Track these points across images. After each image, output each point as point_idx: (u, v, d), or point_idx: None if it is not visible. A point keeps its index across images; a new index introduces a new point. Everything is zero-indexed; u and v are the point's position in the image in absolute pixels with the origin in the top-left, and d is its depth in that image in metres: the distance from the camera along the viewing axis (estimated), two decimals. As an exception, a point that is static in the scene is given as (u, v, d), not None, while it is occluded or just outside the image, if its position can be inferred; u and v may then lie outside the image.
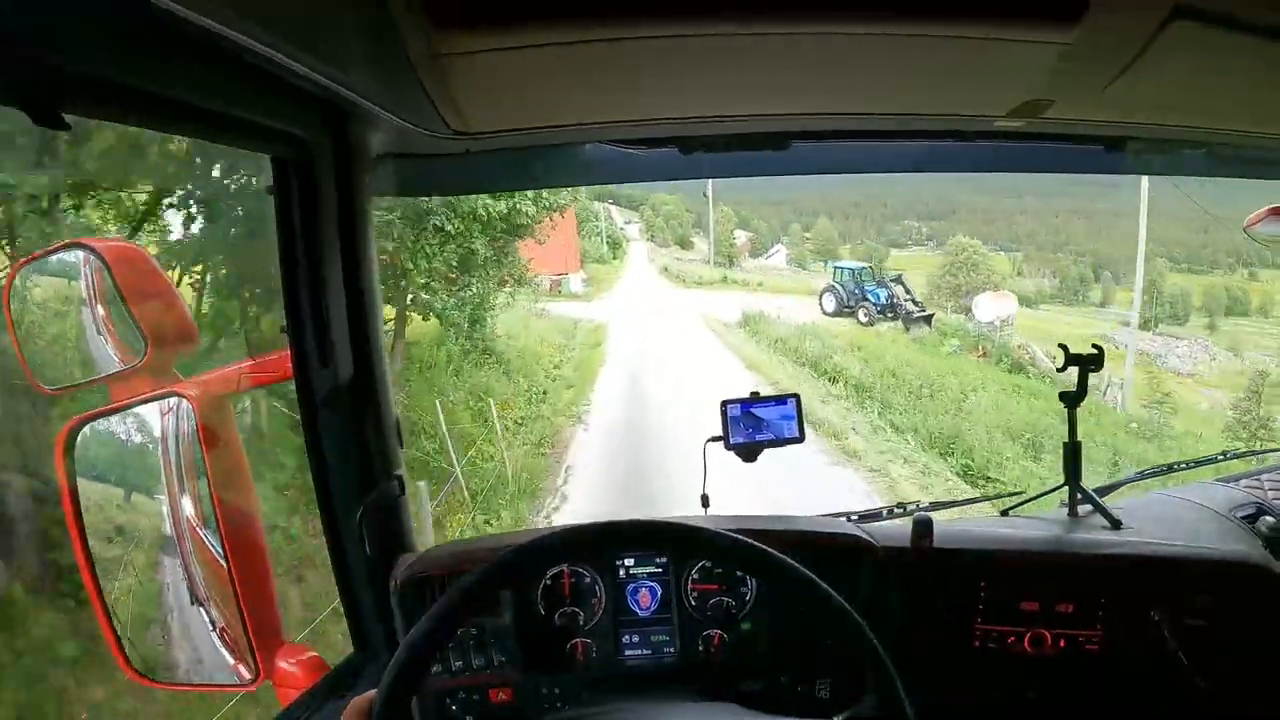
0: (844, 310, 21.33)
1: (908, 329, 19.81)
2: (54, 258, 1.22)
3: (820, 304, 22.34)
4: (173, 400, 1.18)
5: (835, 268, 24.00)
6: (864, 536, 1.18)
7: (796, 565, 0.77)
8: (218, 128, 0.85)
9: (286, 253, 1.07)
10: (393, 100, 0.99)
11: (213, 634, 1.37)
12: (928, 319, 20.26)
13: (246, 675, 1.24)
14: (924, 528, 1.14)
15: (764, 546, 0.78)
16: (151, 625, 1.32)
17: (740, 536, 0.78)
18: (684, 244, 53.85)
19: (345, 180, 1.08)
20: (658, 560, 1.19)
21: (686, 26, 0.78)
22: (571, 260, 27.13)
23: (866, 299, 20.63)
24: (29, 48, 0.55)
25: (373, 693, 0.74)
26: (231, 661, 1.31)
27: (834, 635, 0.89)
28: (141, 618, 1.34)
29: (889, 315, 20.58)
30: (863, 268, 23.51)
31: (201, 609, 1.35)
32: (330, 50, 0.79)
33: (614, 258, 44.53)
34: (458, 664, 1.15)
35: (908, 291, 21.39)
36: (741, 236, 47.02)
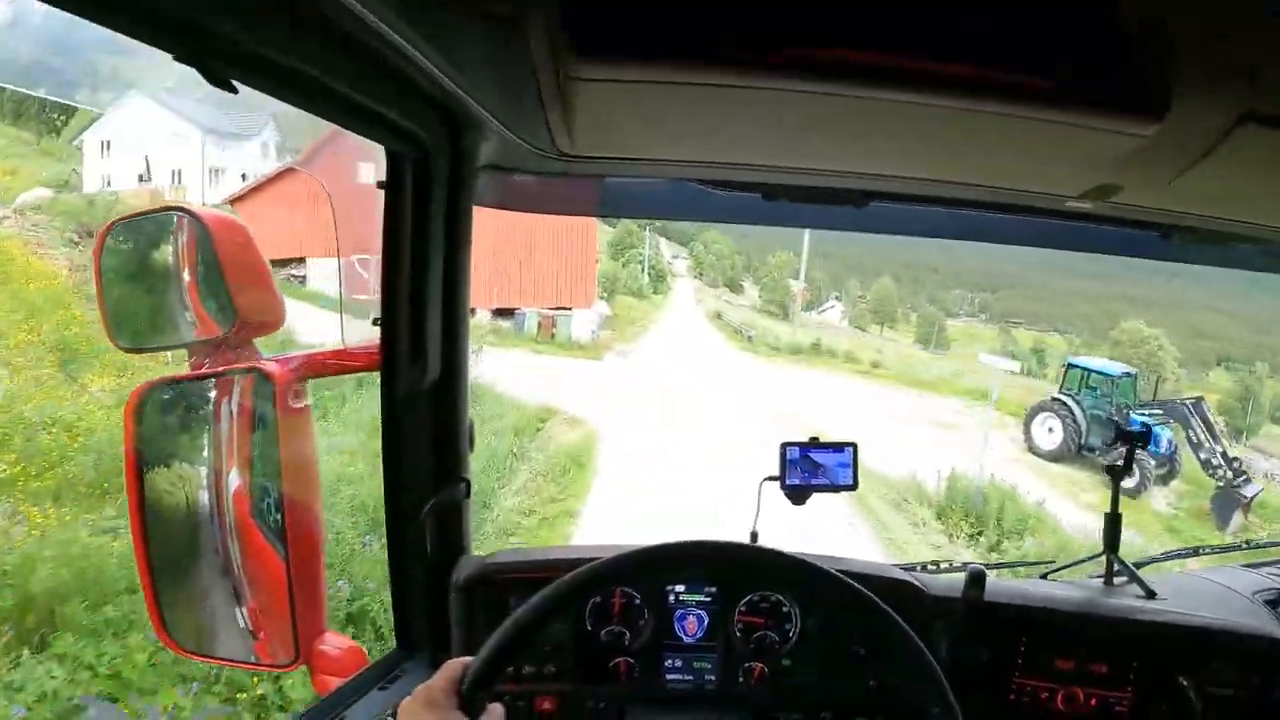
0: (1078, 450, 12.28)
1: (1222, 521, 10.58)
2: (153, 218, 1.23)
3: (1028, 434, 13.11)
4: (254, 376, 1.19)
5: (1071, 366, 13.93)
6: (913, 583, 1.21)
7: (875, 598, 0.81)
8: (349, 114, 0.88)
9: (390, 247, 1.09)
10: (510, 115, 1.02)
11: (239, 610, 1.38)
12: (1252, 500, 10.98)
13: (285, 657, 1.24)
14: (978, 578, 1.18)
15: (854, 584, 0.82)
16: (195, 596, 1.32)
17: (834, 572, 0.82)
18: (734, 286, 51.78)
19: (455, 184, 1.10)
20: (707, 589, 1.22)
21: (791, 81, 0.81)
22: (581, 288, 20.24)
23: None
24: (206, 17, 0.61)
25: (466, 659, 0.76)
26: (267, 638, 1.31)
27: (899, 673, 0.91)
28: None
29: (1167, 475, 11.65)
30: (1125, 374, 13.45)
31: (241, 587, 1.35)
32: (462, 59, 0.83)
33: (654, 292, 41.04)
34: (510, 668, 1.16)
35: (1211, 432, 11.83)
36: (795, 286, 44.70)
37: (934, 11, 0.72)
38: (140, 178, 19.80)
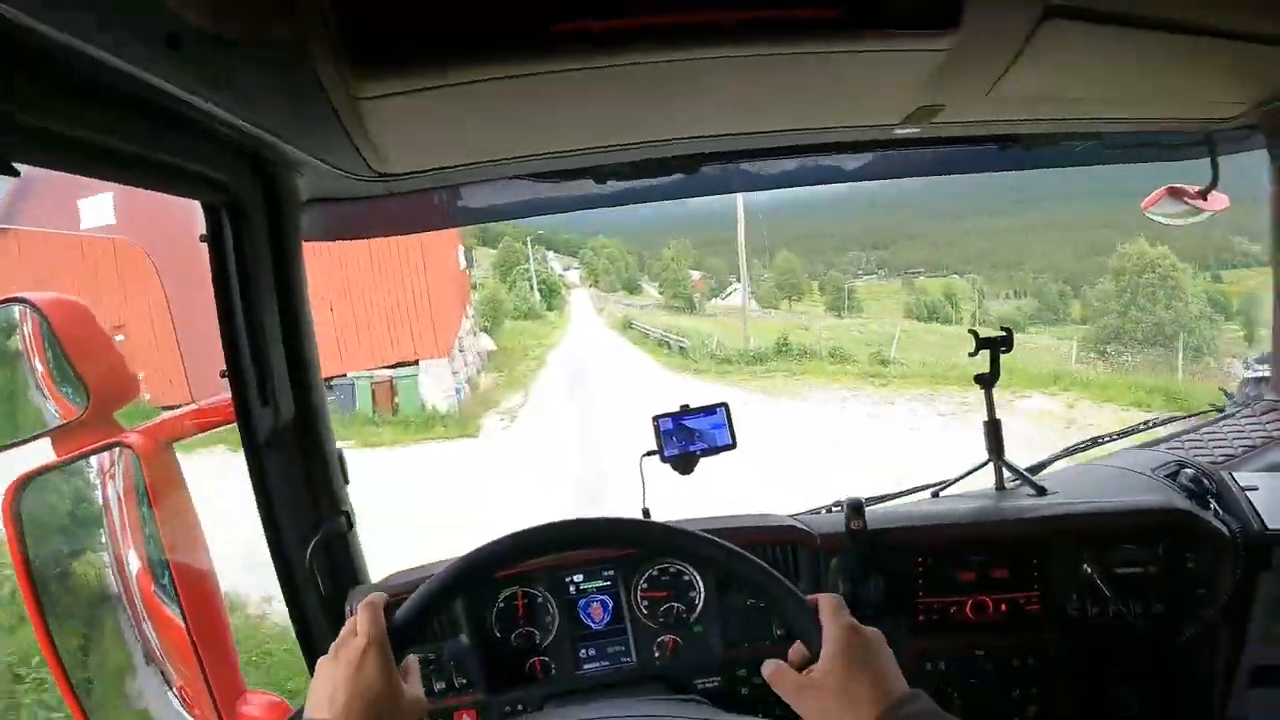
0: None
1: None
2: (-4, 313, 1.22)
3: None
4: (117, 451, 1.18)
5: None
6: (800, 527, 1.22)
7: (711, 539, 0.81)
8: (150, 174, 0.86)
9: (222, 298, 1.09)
10: (314, 144, 1.01)
11: (169, 692, 1.36)
12: None
13: (211, 725, 1.23)
14: (855, 510, 1.18)
15: (685, 529, 0.82)
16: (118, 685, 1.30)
17: (667, 524, 0.84)
18: (631, 288, 49.95)
19: (276, 225, 1.10)
20: (604, 574, 1.22)
21: (586, 60, 0.82)
22: (430, 331, 13.17)
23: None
24: None
25: (380, 596, 0.79)
26: (203, 714, 1.30)
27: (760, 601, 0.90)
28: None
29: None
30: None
31: (160, 666, 1.33)
32: (251, 96, 0.82)
33: (549, 308, 38.02)
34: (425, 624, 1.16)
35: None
36: (694, 275, 43.89)
37: None
38: None
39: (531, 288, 38.86)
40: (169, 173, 0.89)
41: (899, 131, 1.24)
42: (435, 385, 12.85)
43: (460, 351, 14.91)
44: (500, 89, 0.88)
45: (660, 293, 46.78)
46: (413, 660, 0.80)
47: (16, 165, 0.65)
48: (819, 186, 1.48)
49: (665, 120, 1.13)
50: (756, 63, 0.88)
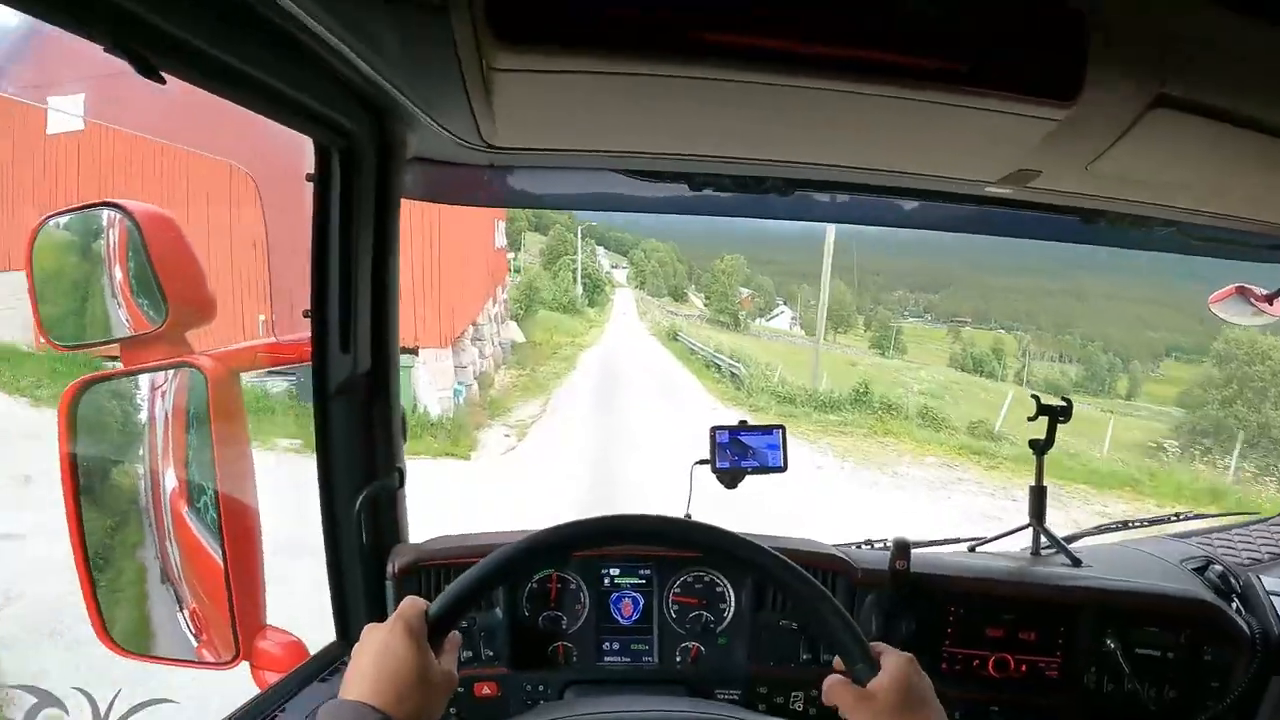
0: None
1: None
2: (84, 213, 1.23)
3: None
4: (185, 370, 1.19)
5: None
6: (842, 557, 1.24)
7: (779, 555, 0.83)
8: (276, 104, 0.89)
9: (319, 238, 1.10)
10: (433, 104, 1.03)
11: (180, 612, 1.37)
12: None
13: (226, 654, 1.24)
14: (901, 550, 1.21)
15: (753, 541, 0.84)
16: (135, 597, 1.31)
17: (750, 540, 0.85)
18: (678, 295, 48.71)
19: (383, 176, 1.12)
20: (641, 572, 1.23)
21: (715, 70, 0.83)
22: (459, 309, 11.81)
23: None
24: (136, 6, 0.62)
25: (421, 600, 0.79)
26: (209, 639, 1.31)
27: (820, 634, 0.93)
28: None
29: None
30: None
31: (175, 586, 1.34)
32: (385, 47, 0.84)
33: (590, 304, 35.93)
34: (465, 616, 1.17)
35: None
36: (743, 292, 41.83)
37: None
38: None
39: (575, 280, 36.41)
40: (293, 106, 0.92)
41: (990, 189, 1.26)
42: (431, 382, 10.54)
43: (477, 341, 13.09)
44: (625, 83, 0.90)
45: (706, 304, 45.47)
46: (455, 637, 0.82)
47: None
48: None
49: (770, 140, 1.15)
50: (876, 102, 0.89)
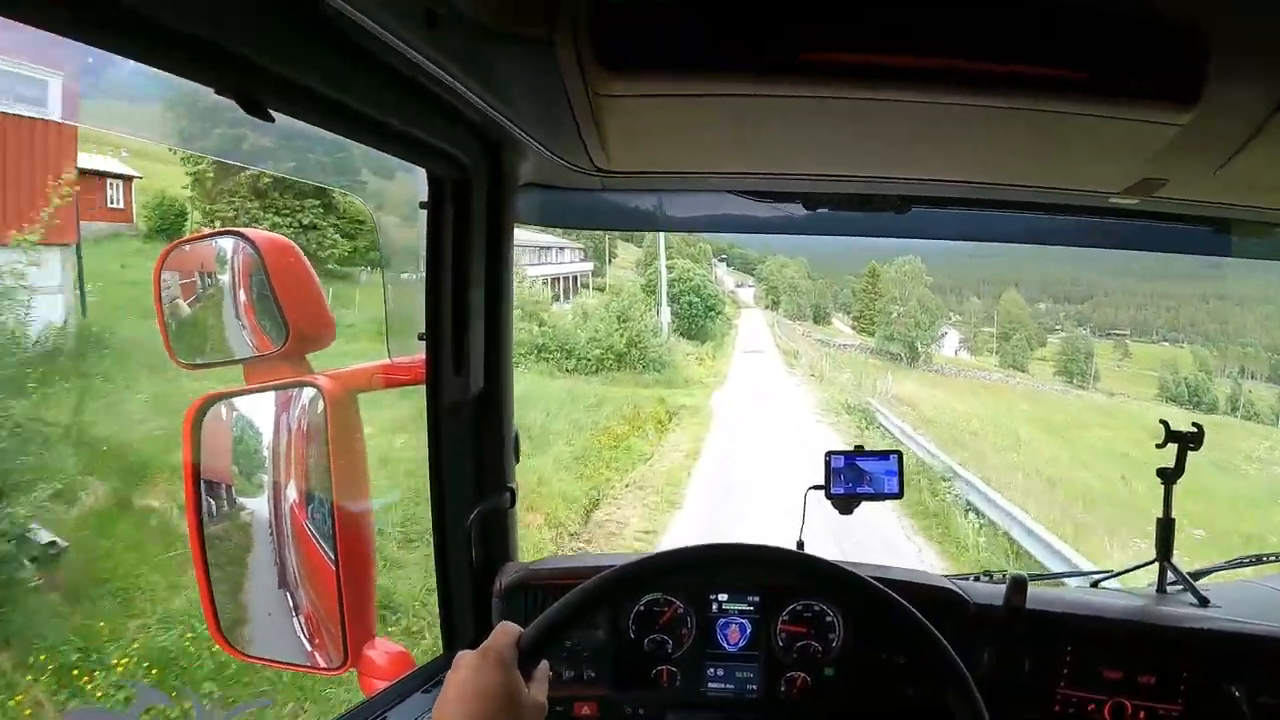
0: None
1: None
2: (208, 242, 1.29)
3: None
4: (305, 390, 1.23)
5: None
6: (955, 590, 1.20)
7: (903, 602, 0.81)
8: (388, 139, 0.92)
9: (432, 264, 1.13)
10: (546, 133, 1.05)
11: (295, 618, 1.42)
12: None
13: (334, 661, 1.28)
14: (1018, 586, 1.16)
15: (881, 587, 0.83)
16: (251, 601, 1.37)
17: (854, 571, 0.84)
18: (820, 317, 41.41)
19: (495, 203, 1.14)
20: (750, 599, 1.22)
21: (827, 89, 0.82)
22: None
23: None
24: (244, 49, 0.63)
25: (516, 626, 0.80)
26: (321, 644, 1.36)
27: (927, 673, 0.91)
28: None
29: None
30: None
31: (292, 592, 1.40)
32: (494, 80, 0.85)
33: (696, 335, 24.51)
34: (559, 641, 1.19)
35: None
36: (894, 311, 32.92)
37: (961, 11, 0.73)
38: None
39: (659, 300, 23.50)
40: (407, 141, 0.94)
41: (1115, 200, 1.20)
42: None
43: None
44: (736, 105, 0.89)
45: (856, 327, 35.64)
46: (544, 668, 0.82)
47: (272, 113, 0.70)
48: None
49: (885, 157, 1.13)
50: (993, 114, 0.87)
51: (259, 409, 1.33)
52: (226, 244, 1.28)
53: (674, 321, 24.27)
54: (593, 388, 15.19)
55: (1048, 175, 1.14)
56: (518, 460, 1.24)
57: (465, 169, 1.08)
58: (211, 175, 17.02)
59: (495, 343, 1.16)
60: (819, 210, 1.28)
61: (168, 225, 16.80)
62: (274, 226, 15.80)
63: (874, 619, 1.16)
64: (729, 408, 15.67)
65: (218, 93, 0.66)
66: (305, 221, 16.42)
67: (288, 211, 16.63)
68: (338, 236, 16.67)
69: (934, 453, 10.55)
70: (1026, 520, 7.90)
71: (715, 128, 1.01)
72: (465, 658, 0.78)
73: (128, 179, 16.89)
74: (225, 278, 1.29)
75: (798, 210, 1.28)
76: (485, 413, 1.18)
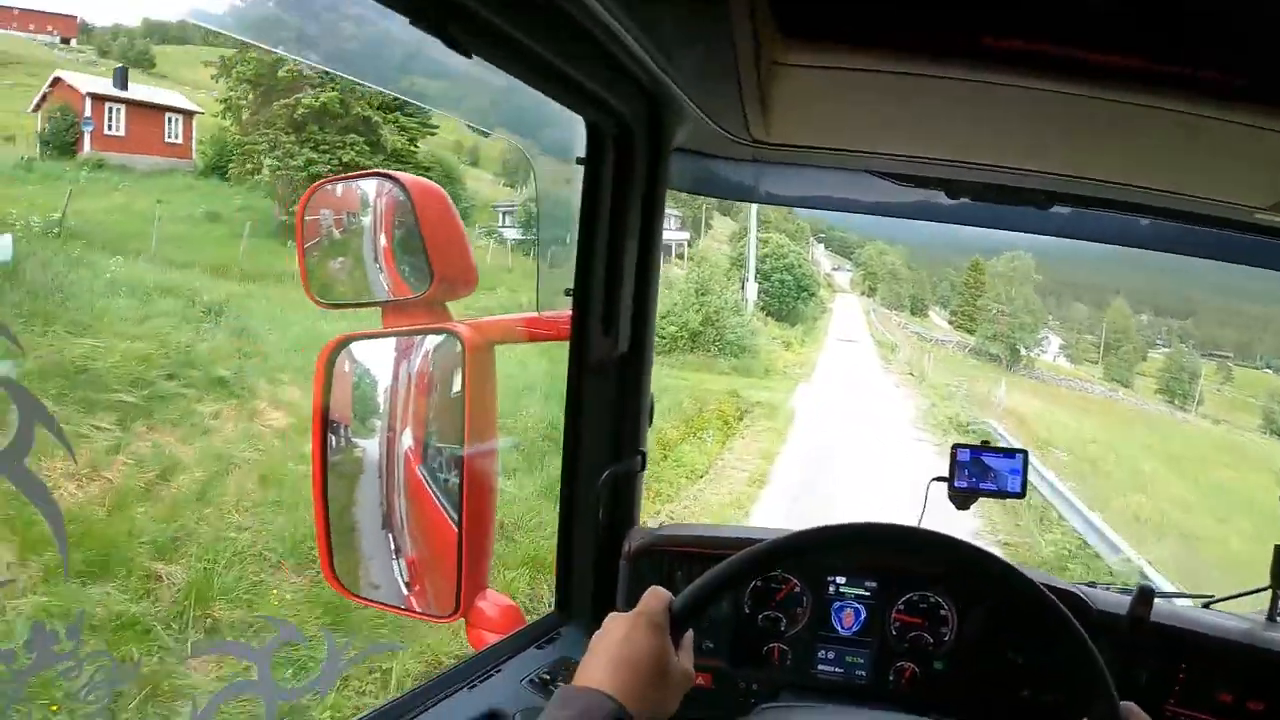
0: None
1: None
2: (355, 183, 1.30)
3: None
4: (444, 336, 1.24)
5: None
6: (1081, 596, 1.18)
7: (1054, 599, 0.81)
8: (559, 85, 0.92)
9: (587, 219, 1.13)
10: (708, 97, 1.04)
11: (396, 561, 1.44)
12: None
13: (446, 609, 1.30)
14: (1145, 597, 1.15)
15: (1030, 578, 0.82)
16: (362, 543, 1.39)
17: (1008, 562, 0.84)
18: (917, 309, 39.66)
19: (652, 162, 1.13)
20: (867, 584, 1.21)
21: (1000, 75, 0.81)
22: None
23: None
24: None
25: (666, 593, 0.79)
26: (420, 590, 1.37)
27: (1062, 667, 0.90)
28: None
29: None
30: None
31: (403, 539, 1.41)
32: (663, 35, 0.85)
33: (788, 318, 22.68)
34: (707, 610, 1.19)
35: None
36: (993, 308, 31.02)
37: (1136, 6, 0.70)
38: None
39: (745, 275, 20.66)
40: (572, 86, 0.94)
41: (1260, 217, 1.17)
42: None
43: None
44: (905, 83, 0.88)
45: (954, 323, 33.22)
46: (689, 636, 0.81)
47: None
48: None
49: (1034, 150, 1.12)
50: (1147, 114, 0.84)
51: (388, 354, 1.34)
52: (372, 185, 1.28)
53: (763, 300, 21.90)
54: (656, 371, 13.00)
55: (1193, 183, 1.12)
56: (651, 424, 1.24)
57: (626, 124, 1.07)
58: (245, 104, 16.28)
59: (642, 305, 1.16)
60: (960, 199, 1.26)
61: (223, 162, 16.52)
62: (309, 163, 15.27)
63: (1019, 614, 1.15)
64: (815, 409, 12.73)
65: (417, 25, 0.66)
66: (345, 159, 15.53)
67: (327, 148, 15.74)
68: (381, 174, 16.47)
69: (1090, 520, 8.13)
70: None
71: (875, 105, 1.00)
72: (616, 620, 0.77)
73: (189, 114, 16.84)
74: (367, 220, 1.30)
75: (939, 197, 1.26)
76: (627, 374, 1.18)
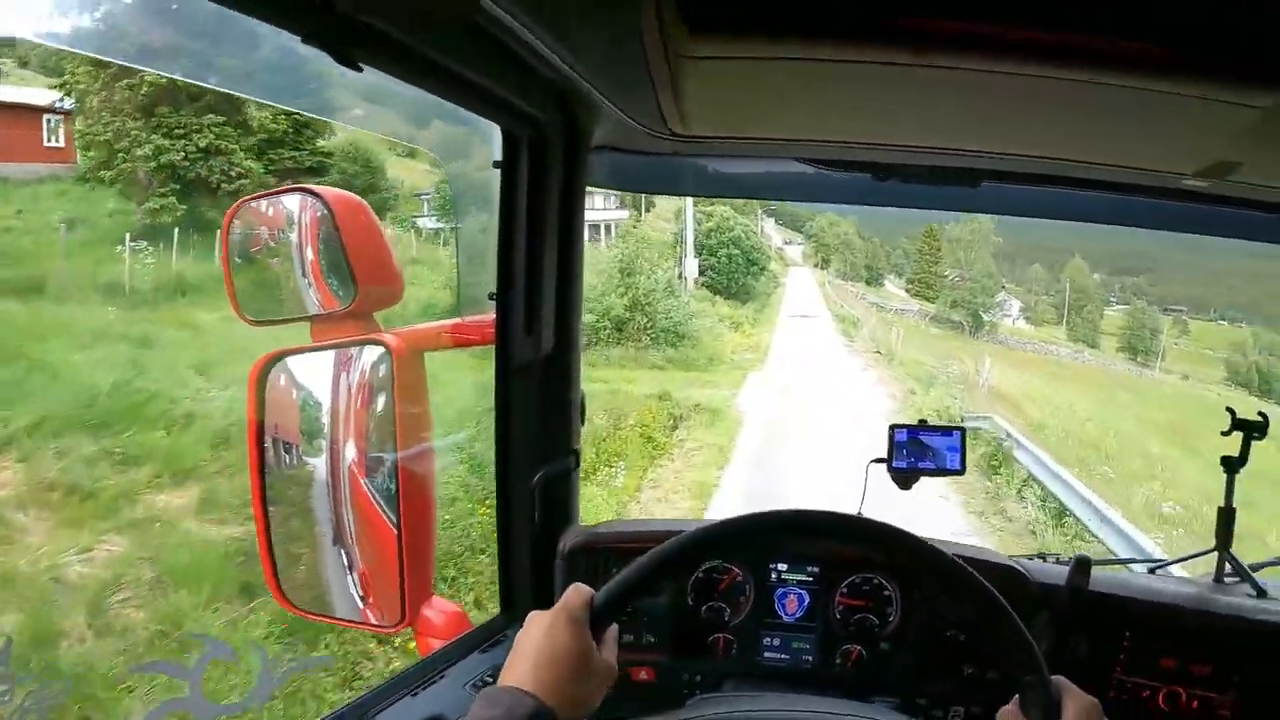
0: None
1: None
2: (277, 199, 1.29)
3: None
4: (371, 347, 1.24)
5: None
6: (1018, 570, 1.19)
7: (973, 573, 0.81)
8: (467, 94, 0.91)
9: (505, 223, 1.13)
10: (622, 94, 1.04)
11: (349, 575, 1.44)
12: None
13: (392, 619, 1.30)
14: (1082, 568, 1.15)
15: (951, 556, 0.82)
16: (309, 559, 1.38)
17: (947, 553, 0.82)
18: (872, 279, 39.52)
19: (569, 163, 1.13)
20: (809, 569, 1.22)
21: (902, 54, 0.81)
22: None
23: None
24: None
25: (588, 588, 0.79)
26: (375, 602, 1.37)
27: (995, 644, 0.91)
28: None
29: None
30: None
31: (353, 552, 1.41)
32: (573, 36, 0.84)
33: (738, 295, 21.26)
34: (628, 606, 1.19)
35: None
36: (950, 274, 30.15)
37: None
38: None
39: (681, 249, 18.66)
40: (482, 94, 0.94)
41: (1187, 183, 1.18)
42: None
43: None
44: (816, 70, 0.88)
45: (911, 290, 32.58)
46: (614, 630, 0.81)
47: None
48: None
49: (958, 129, 1.12)
50: (1069, 88, 0.85)
51: (323, 367, 1.34)
52: (294, 201, 1.28)
53: (709, 277, 20.15)
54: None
55: (1121, 154, 1.12)
56: (583, 423, 1.24)
57: (541, 128, 1.07)
58: (82, 85, 13.75)
59: (565, 304, 1.16)
60: (888, 181, 1.27)
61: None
62: (159, 151, 13.25)
63: (946, 592, 1.16)
64: (769, 408, 10.47)
65: (304, 40, 0.65)
66: (203, 144, 13.65)
67: (181, 132, 13.63)
68: (250, 162, 13.84)
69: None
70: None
71: (793, 93, 1.00)
72: (537, 618, 0.77)
73: (67, 114, 14.10)
74: (293, 235, 1.29)
75: (867, 180, 1.27)
76: (554, 374, 1.18)
